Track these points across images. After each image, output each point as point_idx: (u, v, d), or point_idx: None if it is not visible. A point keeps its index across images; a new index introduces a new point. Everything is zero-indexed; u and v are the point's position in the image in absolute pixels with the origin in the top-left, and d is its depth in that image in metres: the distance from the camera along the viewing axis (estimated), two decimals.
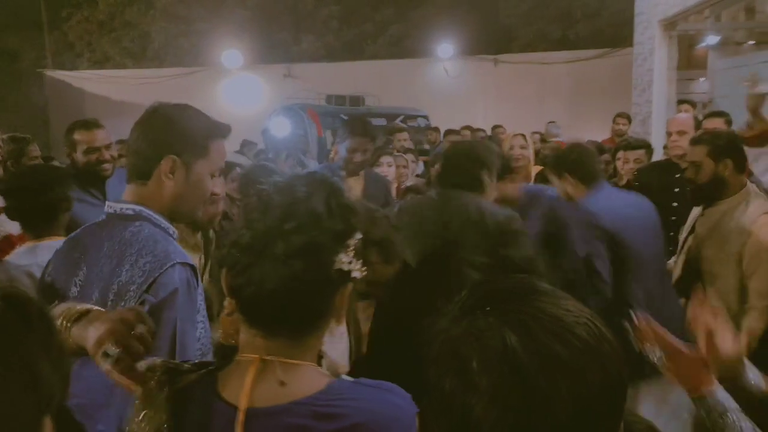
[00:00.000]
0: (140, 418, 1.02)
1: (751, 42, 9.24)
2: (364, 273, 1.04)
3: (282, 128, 9.48)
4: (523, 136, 4.06)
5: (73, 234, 1.69)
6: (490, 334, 0.74)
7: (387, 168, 4.26)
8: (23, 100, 14.47)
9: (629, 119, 7.96)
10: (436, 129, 9.71)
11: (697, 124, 4.13)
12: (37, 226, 2.44)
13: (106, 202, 1.60)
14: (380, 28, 16.57)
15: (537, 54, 15.08)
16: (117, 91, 14.12)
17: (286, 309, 1.00)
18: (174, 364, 1.08)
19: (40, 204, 2.42)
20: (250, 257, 0.99)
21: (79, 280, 1.52)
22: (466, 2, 16.61)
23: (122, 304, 1.39)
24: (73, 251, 1.59)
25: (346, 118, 10.04)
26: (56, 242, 2.20)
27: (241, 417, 0.98)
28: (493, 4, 17.25)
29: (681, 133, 3.87)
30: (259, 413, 0.99)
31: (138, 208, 1.54)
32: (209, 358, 1.51)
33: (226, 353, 1.11)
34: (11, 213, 2.49)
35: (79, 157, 3.08)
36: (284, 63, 14.73)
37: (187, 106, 1.62)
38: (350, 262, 1.01)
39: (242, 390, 1.00)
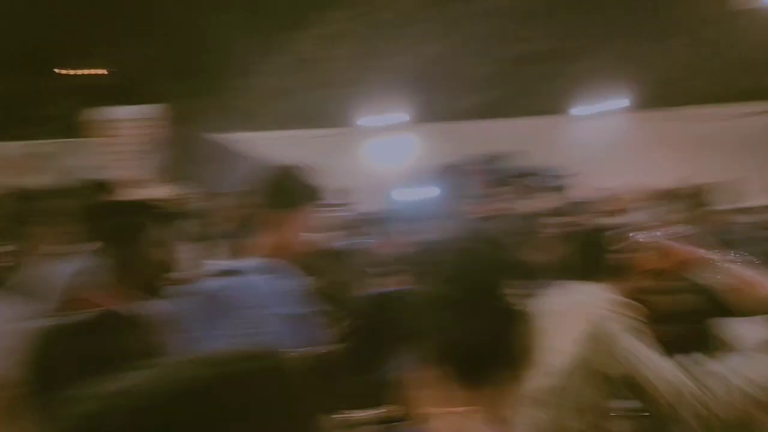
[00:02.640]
0: None
1: None
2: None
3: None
4: None
5: None
6: None
7: None
8: None
9: None
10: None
11: None
12: None
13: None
14: (540, 83, 16.52)
15: (711, 107, 14.11)
16: (271, 151, 15.14)
17: (487, 354, 1.02)
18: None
19: None
20: (446, 320, 1.02)
21: None
22: (630, 54, 16.12)
23: None
24: None
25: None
26: None
27: None
28: (661, 56, 16.60)
29: None
30: None
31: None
32: None
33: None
34: None
35: None
36: (442, 122, 15.11)
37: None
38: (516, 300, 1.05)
39: None
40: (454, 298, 1.04)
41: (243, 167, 14.97)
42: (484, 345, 1.03)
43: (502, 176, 8.54)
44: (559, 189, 10.19)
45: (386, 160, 14.51)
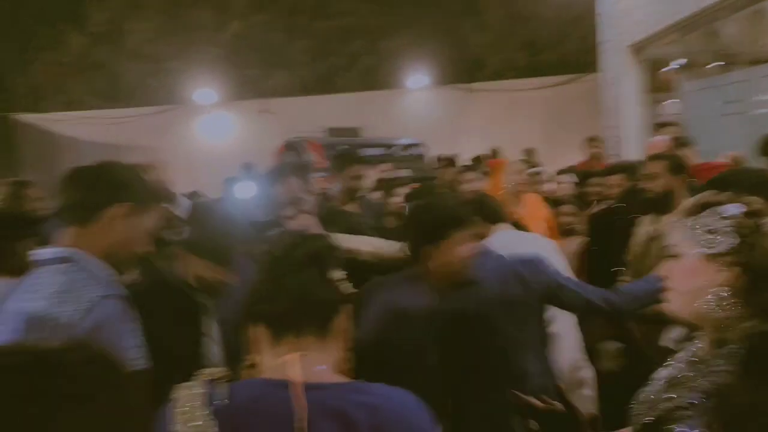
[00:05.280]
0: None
1: (716, 63, 9.63)
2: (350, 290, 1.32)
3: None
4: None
5: None
6: None
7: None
8: None
9: (603, 142, 8.22)
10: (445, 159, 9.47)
11: (677, 145, 4.33)
12: None
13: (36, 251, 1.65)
14: (351, 61, 16.83)
15: (508, 81, 14.99)
16: (89, 133, 14.07)
17: (308, 306, 1.22)
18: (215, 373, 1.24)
19: None
20: (267, 291, 1.24)
21: None
22: (434, 33, 16.99)
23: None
24: None
25: (347, 148, 10.10)
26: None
27: (297, 387, 1.16)
28: (461, 34, 17.67)
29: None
30: (311, 386, 1.18)
31: (70, 250, 1.60)
32: None
33: None
34: None
35: None
36: (257, 98, 14.75)
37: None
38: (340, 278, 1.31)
39: (291, 371, 1.18)
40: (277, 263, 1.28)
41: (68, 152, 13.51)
42: (295, 301, 1.22)
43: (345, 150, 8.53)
44: (411, 159, 10.70)
45: (212, 138, 13.98)
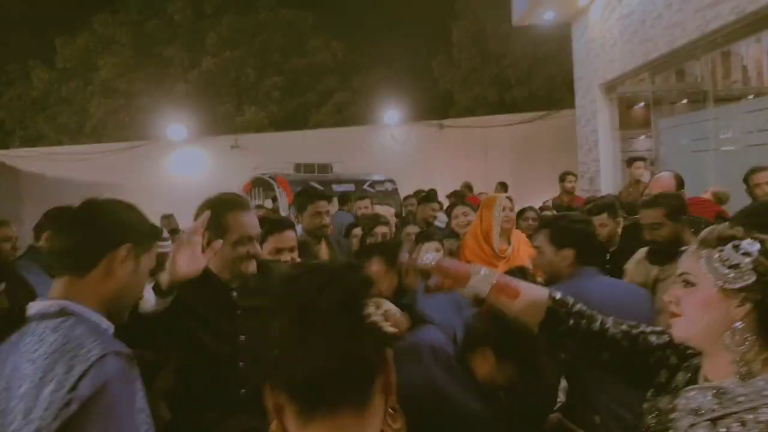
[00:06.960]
0: None
1: (684, 101, 9.80)
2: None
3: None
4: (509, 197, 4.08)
5: None
6: None
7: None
8: None
9: (576, 177, 8.23)
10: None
11: (677, 183, 4.26)
12: None
13: (28, 304, 1.43)
14: (323, 97, 16.77)
15: (480, 118, 15.04)
16: (55, 169, 13.61)
17: (344, 370, 0.95)
18: None
19: None
20: (289, 349, 0.95)
21: None
22: (406, 70, 17.06)
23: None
24: None
25: (316, 185, 9.87)
26: None
27: None
28: (431, 71, 17.79)
29: None
30: None
31: (64, 303, 1.41)
32: None
33: None
34: None
35: None
36: (229, 134, 14.63)
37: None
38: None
39: None
40: (287, 316, 0.98)
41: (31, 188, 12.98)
42: (328, 367, 0.95)
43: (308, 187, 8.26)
44: (386, 195, 10.60)
45: (183, 173, 13.64)
